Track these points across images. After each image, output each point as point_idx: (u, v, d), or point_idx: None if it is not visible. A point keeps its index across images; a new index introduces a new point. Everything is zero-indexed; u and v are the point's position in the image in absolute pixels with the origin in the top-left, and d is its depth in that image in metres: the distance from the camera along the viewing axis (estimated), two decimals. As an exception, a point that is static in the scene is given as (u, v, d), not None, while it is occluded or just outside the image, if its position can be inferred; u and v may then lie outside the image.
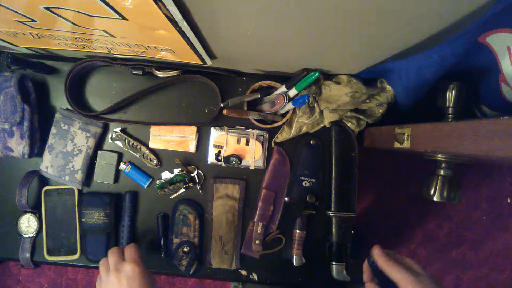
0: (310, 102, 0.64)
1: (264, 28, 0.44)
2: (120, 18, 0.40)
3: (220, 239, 0.69)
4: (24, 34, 0.52)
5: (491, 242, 1.28)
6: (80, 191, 0.69)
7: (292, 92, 0.65)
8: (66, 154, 0.67)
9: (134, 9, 0.37)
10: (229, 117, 0.65)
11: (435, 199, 0.57)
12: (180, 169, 0.69)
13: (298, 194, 0.69)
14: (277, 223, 0.70)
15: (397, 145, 0.57)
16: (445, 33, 0.43)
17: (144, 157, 0.69)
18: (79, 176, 0.67)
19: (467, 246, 1.29)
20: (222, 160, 0.67)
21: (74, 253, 0.69)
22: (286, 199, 0.70)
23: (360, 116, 0.66)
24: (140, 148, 0.69)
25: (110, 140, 0.69)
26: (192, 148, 0.69)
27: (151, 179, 0.70)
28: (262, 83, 0.69)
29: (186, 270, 0.67)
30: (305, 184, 0.69)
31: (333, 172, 0.68)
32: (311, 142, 0.69)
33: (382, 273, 0.49)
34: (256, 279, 0.70)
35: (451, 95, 0.58)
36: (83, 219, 0.67)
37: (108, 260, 0.51)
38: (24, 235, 0.69)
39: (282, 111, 0.69)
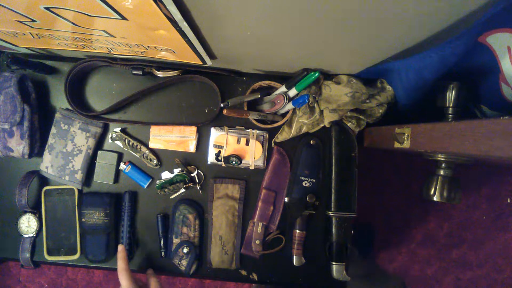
0: (310, 102, 0.64)
1: (264, 28, 0.44)
2: (120, 18, 0.40)
3: (220, 239, 0.69)
4: (24, 34, 0.52)
5: (491, 242, 1.29)
6: (80, 191, 0.69)
7: (292, 92, 0.65)
8: (66, 154, 0.67)
9: (134, 9, 0.37)
10: (229, 117, 0.65)
11: (435, 199, 0.57)
12: (180, 169, 0.69)
13: (298, 194, 0.69)
14: (277, 223, 0.70)
15: (397, 145, 0.57)
16: (445, 33, 0.43)
17: (144, 157, 0.69)
18: (79, 176, 0.67)
19: (467, 246, 1.29)
20: (222, 160, 0.67)
21: (74, 253, 0.69)
22: (286, 199, 0.70)
23: (360, 116, 0.66)
24: (140, 148, 0.69)
25: (110, 140, 0.69)
26: (192, 148, 0.69)
27: (151, 179, 0.70)
28: (262, 83, 0.69)
29: (186, 270, 0.67)
30: (305, 184, 0.69)
31: (333, 172, 0.68)
32: (311, 142, 0.69)
33: None
34: (256, 279, 0.70)
35: (451, 95, 0.58)
36: (83, 219, 0.67)
37: None
38: (24, 235, 0.69)
39: (282, 111, 0.69)
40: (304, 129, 0.69)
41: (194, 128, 0.69)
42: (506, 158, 0.37)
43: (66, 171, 0.67)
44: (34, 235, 0.69)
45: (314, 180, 0.70)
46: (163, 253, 0.69)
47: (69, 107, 0.66)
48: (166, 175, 0.70)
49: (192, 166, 0.70)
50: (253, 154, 0.68)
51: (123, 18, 0.40)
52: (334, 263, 0.66)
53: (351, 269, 0.66)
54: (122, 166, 0.69)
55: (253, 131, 0.69)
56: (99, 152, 0.69)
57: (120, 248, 0.59)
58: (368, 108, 0.66)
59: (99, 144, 0.70)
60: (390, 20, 0.39)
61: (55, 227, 0.69)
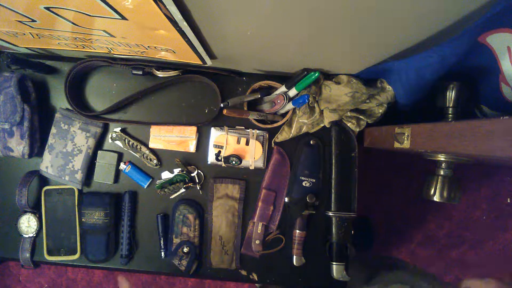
0: (310, 102, 0.64)
1: (264, 28, 0.44)
2: (120, 18, 0.40)
3: (220, 239, 0.69)
4: (24, 34, 0.52)
5: (491, 242, 1.29)
6: (80, 191, 0.69)
7: (292, 92, 0.65)
8: (66, 154, 0.67)
9: (134, 9, 0.37)
10: (229, 117, 0.65)
11: (435, 199, 0.57)
12: (180, 169, 0.69)
13: (298, 194, 0.69)
14: (277, 223, 0.70)
15: (397, 145, 0.57)
16: (445, 33, 0.43)
17: (144, 157, 0.69)
18: (79, 176, 0.67)
19: (467, 246, 1.29)
20: (222, 160, 0.67)
21: (74, 253, 0.69)
22: (286, 199, 0.70)
23: (360, 116, 0.66)
24: (140, 148, 0.69)
25: (110, 140, 0.69)
26: (192, 148, 0.69)
27: (151, 179, 0.70)
28: (262, 83, 0.69)
29: (186, 270, 0.67)
30: (305, 184, 0.69)
31: (333, 172, 0.68)
32: (311, 142, 0.69)
33: None
34: (256, 279, 0.70)
35: (451, 95, 0.58)
36: (83, 219, 0.67)
37: None
38: (24, 235, 0.69)
39: (282, 111, 0.69)
40: (304, 129, 0.69)
41: (194, 128, 0.69)
42: (506, 158, 0.37)
43: (66, 171, 0.67)
44: (34, 235, 0.69)
45: (314, 180, 0.70)
46: (163, 253, 0.69)
47: (69, 107, 0.66)
48: (166, 175, 0.70)
49: (192, 166, 0.70)
50: (253, 154, 0.68)
51: (123, 18, 0.40)
52: (334, 263, 0.66)
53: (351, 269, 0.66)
54: (122, 166, 0.69)
55: (253, 131, 0.69)
56: (99, 152, 0.69)
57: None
58: (368, 108, 0.66)
59: (99, 144, 0.70)
60: (390, 20, 0.39)
61: (55, 227, 0.69)
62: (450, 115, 0.59)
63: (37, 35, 0.52)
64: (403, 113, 0.67)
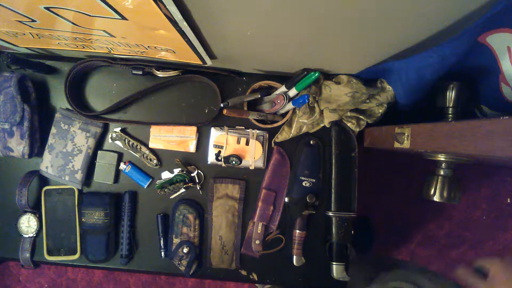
0: (310, 102, 0.64)
1: (264, 28, 0.44)
2: (120, 18, 0.40)
3: (220, 239, 0.69)
4: (24, 34, 0.52)
5: (491, 242, 1.28)
6: (80, 191, 0.69)
7: (292, 92, 0.65)
8: (66, 154, 0.67)
9: (134, 9, 0.37)
10: (229, 117, 0.65)
11: (435, 199, 0.57)
12: (180, 169, 0.69)
13: (298, 194, 0.69)
14: (277, 223, 0.70)
15: (397, 145, 0.57)
16: (445, 33, 0.43)
17: (144, 157, 0.69)
18: (79, 176, 0.67)
19: (467, 246, 1.29)
20: (222, 160, 0.67)
21: (74, 253, 0.69)
22: (286, 199, 0.70)
23: (360, 116, 0.66)
24: (140, 148, 0.69)
25: (110, 140, 0.69)
26: (192, 148, 0.69)
27: (151, 179, 0.70)
28: (262, 83, 0.69)
29: (186, 270, 0.67)
30: (305, 184, 0.69)
31: (333, 172, 0.68)
32: (311, 142, 0.69)
33: None
34: (256, 279, 0.70)
35: (451, 95, 0.58)
36: (83, 219, 0.67)
37: None
38: (24, 235, 0.69)
39: (282, 111, 0.69)
40: (304, 129, 0.69)
41: (194, 128, 0.69)
42: (506, 158, 0.37)
43: (66, 171, 0.67)
44: (34, 235, 0.69)
45: (314, 180, 0.70)
46: (163, 253, 0.69)
47: (69, 107, 0.66)
48: (166, 175, 0.70)
49: (192, 166, 0.70)
50: (253, 154, 0.68)
51: (123, 18, 0.40)
52: (334, 263, 0.66)
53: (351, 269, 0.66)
54: (122, 166, 0.69)
55: (253, 131, 0.69)
56: (99, 152, 0.69)
57: None
58: (368, 108, 0.66)
59: (99, 144, 0.70)
60: (390, 20, 0.39)
61: (55, 227, 0.69)
62: (450, 115, 0.59)
63: (37, 35, 0.52)
64: (403, 113, 0.67)
